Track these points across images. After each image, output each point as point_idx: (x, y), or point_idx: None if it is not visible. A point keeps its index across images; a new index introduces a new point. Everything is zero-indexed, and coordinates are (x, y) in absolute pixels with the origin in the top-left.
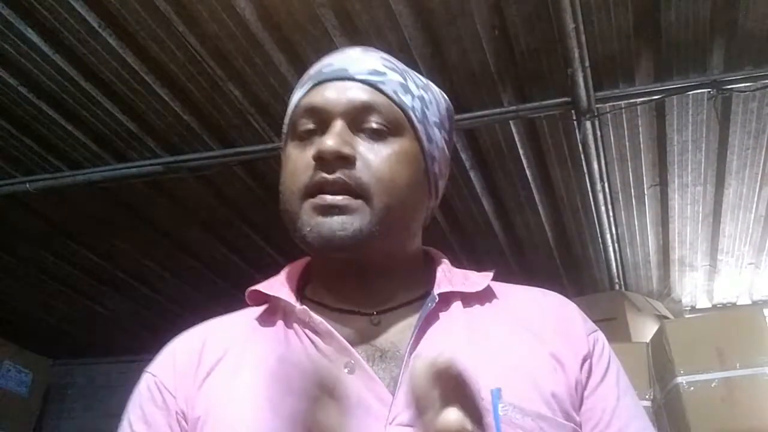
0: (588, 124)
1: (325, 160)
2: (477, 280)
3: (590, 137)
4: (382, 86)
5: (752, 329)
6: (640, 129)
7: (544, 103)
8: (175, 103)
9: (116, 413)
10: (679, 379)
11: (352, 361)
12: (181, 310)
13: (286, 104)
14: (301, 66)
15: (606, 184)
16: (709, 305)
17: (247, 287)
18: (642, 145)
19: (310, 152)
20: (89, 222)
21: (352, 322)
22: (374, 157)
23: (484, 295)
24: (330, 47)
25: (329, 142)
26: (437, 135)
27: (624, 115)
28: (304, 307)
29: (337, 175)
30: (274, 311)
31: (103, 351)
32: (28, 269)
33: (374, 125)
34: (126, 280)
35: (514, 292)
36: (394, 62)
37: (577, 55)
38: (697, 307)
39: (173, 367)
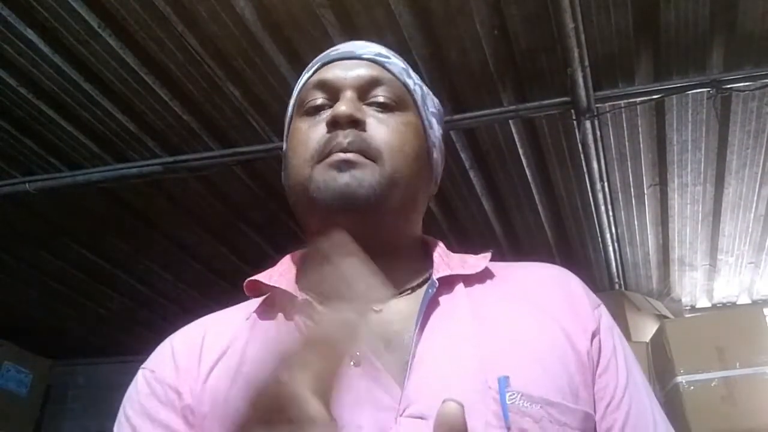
0: (587, 123)
1: (339, 124)
2: (475, 262)
3: (590, 137)
4: (388, 65)
5: (752, 329)
6: (640, 129)
7: (544, 102)
8: (175, 103)
9: (116, 414)
10: (679, 379)
11: (358, 353)
12: (181, 311)
13: (286, 104)
14: (300, 66)
15: (606, 184)
16: (709, 305)
17: None
18: (641, 145)
19: (320, 125)
20: (89, 222)
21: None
22: (383, 125)
23: (485, 276)
24: (329, 47)
25: (342, 107)
26: (435, 124)
27: (624, 115)
28: (306, 297)
29: (351, 137)
30: (273, 303)
31: (103, 351)
32: (28, 269)
33: (381, 98)
34: (126, 280)
35: (513, 269)
36: (396, 55)
37: (576, 54)
38: (697, 306)
39: (174, 364)
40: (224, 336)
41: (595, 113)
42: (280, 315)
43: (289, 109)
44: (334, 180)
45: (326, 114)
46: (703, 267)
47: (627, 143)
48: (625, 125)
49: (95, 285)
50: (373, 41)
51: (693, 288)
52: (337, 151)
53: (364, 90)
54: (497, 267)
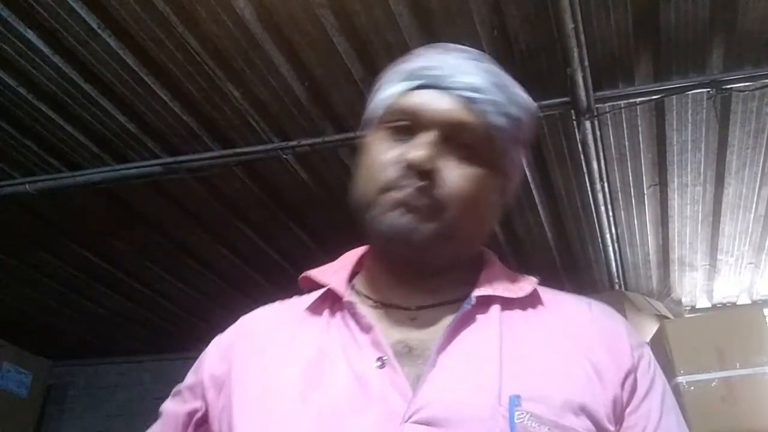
0: (587, 124)
1: (411, 170)
2: (522, 285)
3: (590, 137)
4: (479, 103)
5: (752, 329)
6: (640, 129)
7: (544, 103)
8: (175, 103)
9: (116, 414)
10: (679, 379)
11: (385, 357)
12: (181, 311)
13: (285, 104)
14: (300, 66)
15: (605, 184)
16: (709, 305)
17: (247, 288)
18: (641, 145)
19: (397, 149)
20: (89, 223)
21: (391, 316)
22: (456, 177)
23: (528, 301)
24: (329, 47)
25: (420, 152)
26: (519, 155)
27: (623, 115)
28: (350, 298)
29: (419, 184)
30: (325, 299)
31: (103, 351)
32: (28, 270)
33: (463, 143)
34: (126, 281)
35: (560, 299)
36: (498, 76)
37: (576, 55)
38: (697, 306)
39: (237, 335)
40: (276, 326)
41: (595, 113)
42: (326, 312)
43: (372, 107)
44: (393, 219)
45: (406, 143)
46: (703, 267)
47: (627, 143)
48: (624, 125)
49: (95, 285)
50: (478, 52)
51: (693, 288)
52: (403, 194)
53: (448, 132)
54: (545, 294)
